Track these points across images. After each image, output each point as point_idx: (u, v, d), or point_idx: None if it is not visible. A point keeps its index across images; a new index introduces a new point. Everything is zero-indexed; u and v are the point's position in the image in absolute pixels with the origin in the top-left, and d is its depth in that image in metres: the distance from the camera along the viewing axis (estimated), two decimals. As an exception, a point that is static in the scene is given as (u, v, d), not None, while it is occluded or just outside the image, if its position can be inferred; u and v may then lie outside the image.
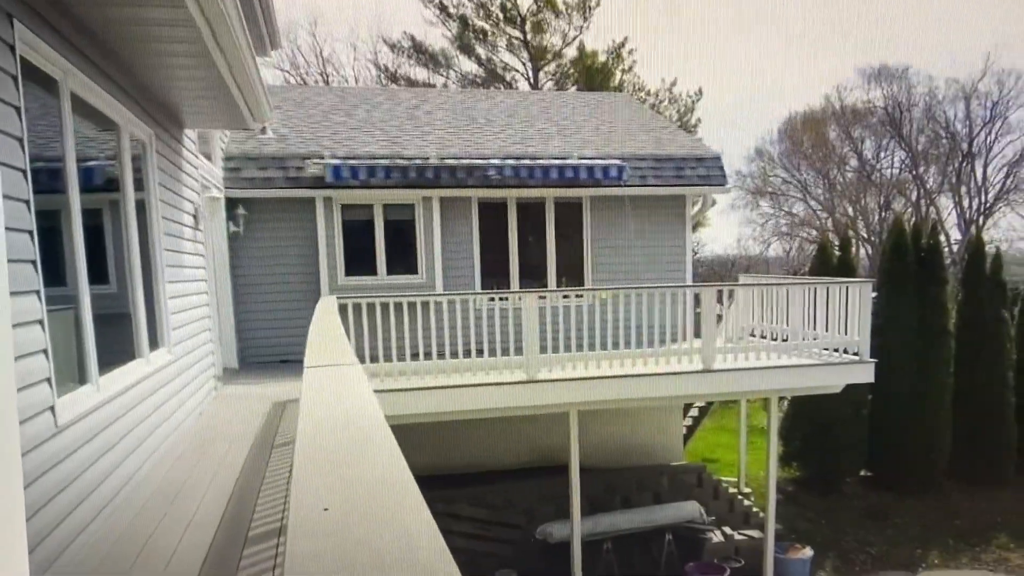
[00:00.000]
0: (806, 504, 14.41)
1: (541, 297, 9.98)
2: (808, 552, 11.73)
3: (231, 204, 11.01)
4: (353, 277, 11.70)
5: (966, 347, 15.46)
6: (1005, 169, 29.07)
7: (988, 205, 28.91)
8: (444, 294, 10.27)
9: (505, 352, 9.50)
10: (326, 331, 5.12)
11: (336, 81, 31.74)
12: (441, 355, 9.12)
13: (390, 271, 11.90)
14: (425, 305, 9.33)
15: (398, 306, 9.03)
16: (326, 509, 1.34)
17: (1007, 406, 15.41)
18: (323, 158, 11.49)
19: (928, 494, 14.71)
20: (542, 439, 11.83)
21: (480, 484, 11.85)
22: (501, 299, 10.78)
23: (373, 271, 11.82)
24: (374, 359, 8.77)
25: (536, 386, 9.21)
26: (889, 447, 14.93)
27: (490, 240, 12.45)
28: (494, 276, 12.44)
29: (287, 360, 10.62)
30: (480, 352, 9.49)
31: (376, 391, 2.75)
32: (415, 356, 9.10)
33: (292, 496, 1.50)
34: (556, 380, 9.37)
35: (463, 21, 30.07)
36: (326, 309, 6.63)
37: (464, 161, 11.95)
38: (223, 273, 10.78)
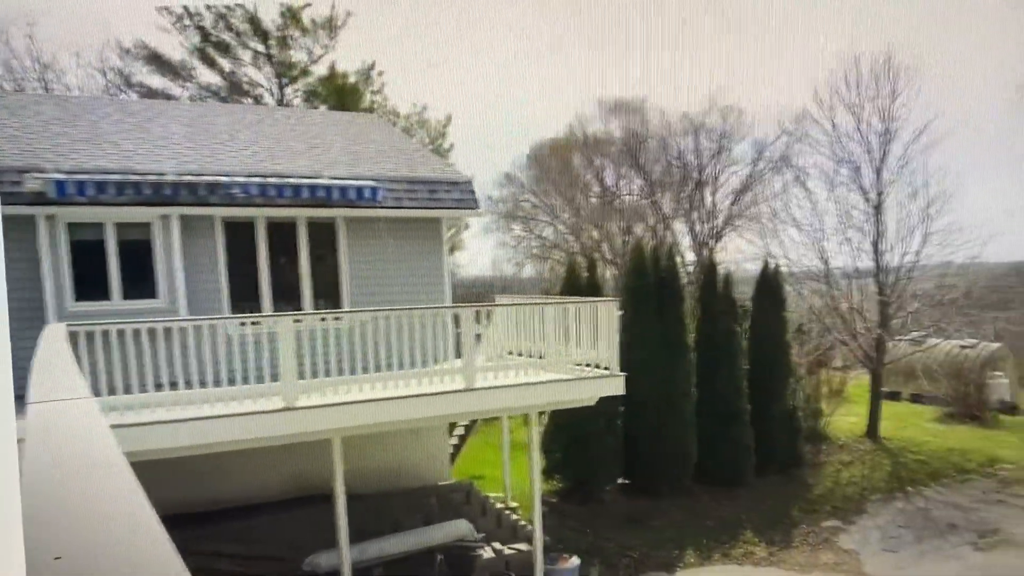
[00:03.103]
0: (570, 514, 14.93)
1: (296, 320, 9.55)
2: (575, 561, 12.12)
3: (-70, 223, 9.56)
4: (84, 303, 10.55)
5: (705, 359, 16.82)
6: (731, 197, 32.13)
7: (718, 229, 31.76)
8: (188, 319, 9.49)
9: (260, 379, 8.99)
10: (52, 362, 4.52)
11: (58, 89, 28.74)
12: (189, 384, 8.45)
13: (126, 295, 10.85)
14: (168, 331, 8.58)
15: (136, 333, 8.25)
16: (58, 558, 1.15)
17: (743, 412, 16.93)
18: (44, 172, 10.31)
19: (680, 497, 15.78)
20: (306, 468, 11.32)
21: (242, 519, 11.17)
22: (253, 323, 10.19)
23: (107, 296, 10.73)
24: (112, 391, 7.94)
25: (296, 413, 8.78)
26: (642, 455, 15.87)
27: (239, 261, 11.73)
28: (245, 300, 11.73)
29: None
30: (232, 380, 8.91)
31: (115, 426, 2.43)
32: (159, 387, 8.34)
33: (20, 546, 1.28)
34: (317, 407, 8.99)
35: (202, 32, 28.46)
36: (52, 338, 5.89)
37: (205, 178, 11.18)
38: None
